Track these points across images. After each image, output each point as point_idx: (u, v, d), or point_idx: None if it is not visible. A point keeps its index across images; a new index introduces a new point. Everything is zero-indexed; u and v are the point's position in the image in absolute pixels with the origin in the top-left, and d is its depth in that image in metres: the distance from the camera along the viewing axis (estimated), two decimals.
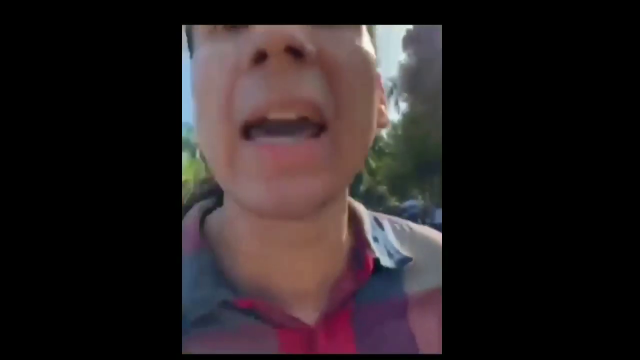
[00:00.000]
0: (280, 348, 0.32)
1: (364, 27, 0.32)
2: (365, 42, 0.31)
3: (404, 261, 0.38)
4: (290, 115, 0.26)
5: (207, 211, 0.39)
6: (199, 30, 0.30)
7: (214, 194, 0.40)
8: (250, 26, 0.28)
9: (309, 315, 0.34)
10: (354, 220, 0.38)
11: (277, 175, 0.26)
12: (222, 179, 0.31)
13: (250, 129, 0.27)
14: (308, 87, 0.26)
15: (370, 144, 0.32)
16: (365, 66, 0.29)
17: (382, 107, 0.36)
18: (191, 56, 0.34)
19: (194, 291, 0.32)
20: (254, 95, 0.26)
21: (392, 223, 0.43)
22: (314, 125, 0.27)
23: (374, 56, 0.31)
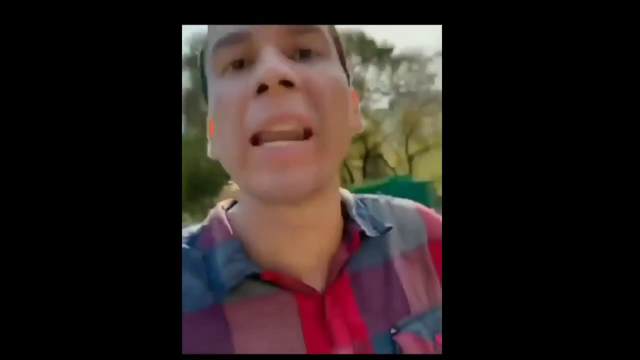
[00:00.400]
0: (300, 310, 0.42)
1: (336, 57, 0.43)
2: (337, 70, 0.42)
3: (385, 230, 0.49)
4: (286, 127, 0.37)
5: (228, 209, 0.50)
6: (212, 72, 0.42)
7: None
8: (252, 66, 0.38)
9: (316, 283, 0.44)
10: (344, 205, 0.49)
11: (279, 168, 0.37)
12: (236, 177, 0.41)
13: (257, 139, 0.38)
14: (297, 107, 0.37)
15: (347, 145, 0.43)
16: (337, 88, 0.40)
17: (356, 115, 0.47)
18: (204, 92, 0.46)
19: (228, 268, 0.42)
20: (260, 115, 0.37)
21: (374, 201, 0.54)
22: (303, 133, 0.38)
23: (345, 79, 0.43)
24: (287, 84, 0.37)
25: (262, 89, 0.37)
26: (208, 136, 0.46)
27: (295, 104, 0.37)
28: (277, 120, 0.36)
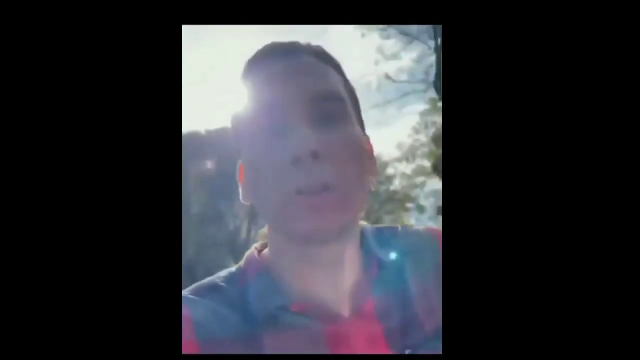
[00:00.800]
0: (327, 337, 0.47)
1: (353, 115, 0.50)
2: (354, 131, 0.49)
3: (404, 255, 0.53)
4: (317, 189, 0.44)
5: (260, 250, 0.56)
6: (245, 134, 0.49)
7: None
8: (284, 134, 0.45)
9: (344, 312, 0.49)
10: (362, 237, 0.54)
11: (315, 211, 0.44)
12: (275, 221, 0.48)
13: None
14: (324, 173, 0.44)
15: (367, 193, 0.50)
16: (356, 150, 0.48)
17: (372, 162, 0.54)
18: (237, 148, 0.53)
19: (260, 300, 0.48)
20: (296, 180, 0.44)
21: (390, 230, 0.59)
22: (328, 187, 0.45)
23: (361, 137, 0.50)
24: (314, 155, 0.44)
25: (296, 160, 0.44)
26: (238, 181, 0.53)
27: (324, 173, 0.44)
28: (310, 184, 0.44)
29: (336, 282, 0.49)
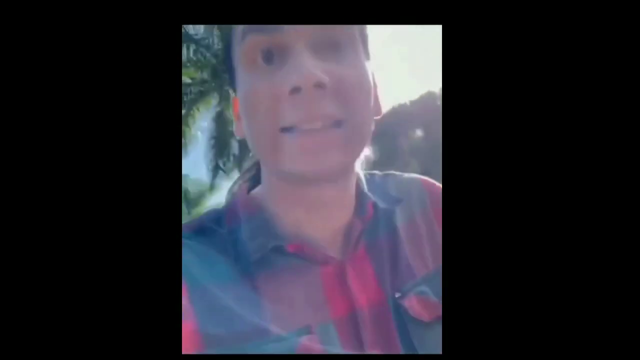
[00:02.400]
0: (322, 278, 0.46)
1: (362, 48, 0.46)
2: (363, 62, 0.45)
3: (396, 201, 0.54)
4: (317, 125, 0.41)
5: (249, 188, 0.54)
6: (241, 62, 0.44)
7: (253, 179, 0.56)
8: (283, 61, 0.41)
9: (336, 253, 0.48)
10: (357, 181, 0.52)
11: (311, 153, 0.41)
12: (266, 160, 0.45)
13: (289, 129, 0.42)
14: (328, 107, 0.41)
15: (370, 131, 0.47)
16: (363, 83, 0.44)
17: (377, 100, 0.50)
18: (233, 83, 0.49)
19: (253, 241, 0.46)
20: (294, 114, 0.41)
21: (384, 176, 0.59)
22: (333, 124, 0.42)
23: (369, 70, 0.46)
24: (319, 85, 0.40)
25: (295, 90, 0.40)
26: (233, 115, 0.50)
27: (327, 104, 0.41)
28: (310, 120, 0.40)
29: (332, 224, 0.48)
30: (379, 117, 0.50)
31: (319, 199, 0.46)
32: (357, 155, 0.45)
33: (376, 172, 0.59)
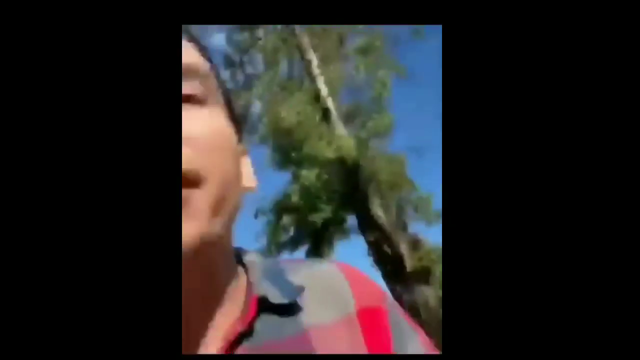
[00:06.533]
0: None
1: (222, 107, 0.40)
2: (222, 120, 0.39)
3: (296, 293, 0.41)
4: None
5: None
6: None
7: None
8: None
9: None
10: (246, 270, 0.43)
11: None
12: None
13: None
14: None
15: (239, 201, 0.40)
16: (223, 139, 0.38)
17: (250, 173, 0.43)
18: None
19: None
20: None
21: (293, 263, 0.46)
22: (189, 180, 0.34)
23: (232, 131, 0.39)
24: None
25: None
26: None
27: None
28: None
29: (201, 317, 0.38)
30: (253, 189, 0.43)
31: (192, 291, 0.36)
32: (225, 224, 0.37)
33: (287, 259, 0.48)
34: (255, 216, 7.14)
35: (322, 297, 0.42)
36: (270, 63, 7.09)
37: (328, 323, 0.41)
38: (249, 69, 7.43)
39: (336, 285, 0.44)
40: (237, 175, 0.40)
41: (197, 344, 0.37)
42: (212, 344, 0.37)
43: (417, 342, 0.44)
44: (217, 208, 0.36)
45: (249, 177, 0.43)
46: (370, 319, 0.42)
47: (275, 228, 7.16)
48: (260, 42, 7.08)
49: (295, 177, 6.97)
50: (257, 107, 7.33)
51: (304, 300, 0.41)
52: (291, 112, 6.59)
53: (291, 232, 7.25)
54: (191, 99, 0.37)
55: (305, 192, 6.72)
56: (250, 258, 0.44)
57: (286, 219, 7.10)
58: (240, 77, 7.41)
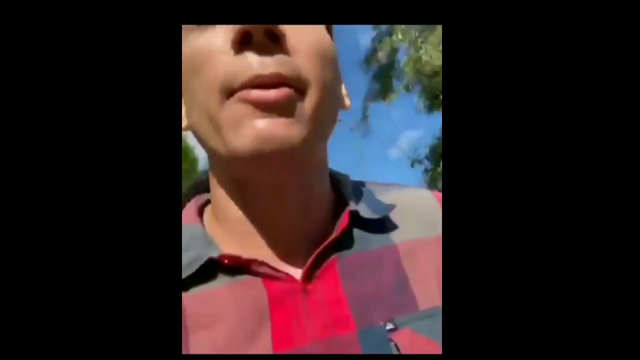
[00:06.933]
0: (270, 299, 0.35)
1: (324, 29, 0.38)
2: (327, 35, 0.37)
3: (386, 209, 0.41)
4: (272, 83, 0.32)
5: (204, 204, 0.44)
6: (185, 31, 0.37)
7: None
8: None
9: (293, 271, 0.37)
10: (336, 184, 0.43)
11: (265, 113, 0.31)
12: (214, 140, 0.35)
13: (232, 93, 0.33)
14: (286, 64, 0.32)
15: (337, 116, 0.39)
16: (330, 51, 0.36)
17: (344, 91, 0.42)
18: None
19: (187, 253, 0.37)
20: (243, 70, 0.32)
21: (381, 186, 0.47)
22: (294, 86, 0.33)
23: (335, 51, 0.38)
24: (273, 36, 0.32)
25: (244, 39, 0.32)
26: (184, 111, 0.40)
27: (284, 60, 0.32)
28: (262, 76, 0.32)
29: (290, 231, 0.38)
30: (348, 108, 0.43)
31: (276, 197, 0.36)
32: (324, 137, 0.37)
33: (372, 182, 0.47)
34: (412, 165, 6.84)
35: (412, 216, 0.42)
36: None
37: (417, 240, 0.41)
38: None
39: (428, 207, 0.44)
40: (339, 89, 0.39)
41: (285, 245, 0.38)
42: (300, 248, 0.38)
43: None
44: (321, 116, 0.35)
45: (344, 96, 0.42)
46: None
47: (433, 175, 6.79)
48: None
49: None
50: (402, 52, 6.85)
51: (394, 217, 0.41)
52: (434, 52, 6.05)
53: None
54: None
55: None
56: (339, 174, 0.44)
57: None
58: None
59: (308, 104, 0.33)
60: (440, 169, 6.49)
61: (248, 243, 0.38)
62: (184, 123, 0.39)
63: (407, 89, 6.62)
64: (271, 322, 0.35)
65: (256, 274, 0.36)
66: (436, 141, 6.76)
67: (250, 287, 0.36)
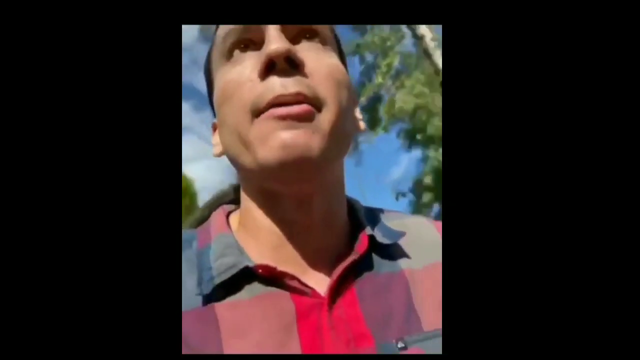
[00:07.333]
0: (298, 312, 0.38)
1: (335, 45, 0.43)
2: (338, 58, 0.42)
3: (397, 235, 0.45)
4: (294, 101, 0.36)
5: (230, 212, 0.48)
6: (219, 60, 0.42)
7: (234, 201, 0.50)
8: (259, 48, 0.39)
9: (319, 284, 0.40)
10: (351, 210, 0.46)
11: (292, 132, 0.36)
12: (242, 159, 0.39)
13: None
14: (305, 84, 0.37)
15: (352, 135, 0.42)
16: (343, 76, 0.40)
17: (358, 115, 0.46)
18: (209, 88, 0.46)
19: (218, 262, 0.39)
20: (267, 92, 0.37)
21: (386, 212, 0.51)
22: (313, 103, 0.37)
23: (347, 74, 0.42)
24: (293, 63, 0.37)
25: (269, 67, 0.37)
26: (212, 137, 0.46)
27: (303, 80, 0.37)
28: (284, 95, 0.36)
29: (313, 246, 0.41)
30: (362, 131, 0.46)
31: (303, 210, 0.40)
32: (341, 152, 0.40)
33: (377, 208, 0.51)
34: (397, 198, 7.42)
35: (416, 243, 0.46)
36: (384, 50, 6.99)
37: (421, 268, 0.45)
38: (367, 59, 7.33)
39: (428, 234, 0.48)
40: (352, 110, 0.42)
41: (311, 258, 0.41)
42: (324, 263, 0.41)
43: None
44: (337, 132, 0.38)
45: (359, 120, 0.47)
46: None
47: (418, 206, 7.37)
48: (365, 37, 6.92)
49: (425, 158, 7.17)
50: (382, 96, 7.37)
51: (402, 244, 0.45)
52: (408, 97, 6.59)
53: (434, 208, 7.52)
54: (318, 35, 0.40)
55: (436, 172, 6.91)
56: (353, 200, 0.48)
57: (426, 197, 7.29)
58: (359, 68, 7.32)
59: (325, 118, 0.38)
60: (422, 200, 7.17)
61: (276, 255, 0.41)
62: (217, 150, 0.45)
63: (385, 129, 7.21)
64: (299, 334, 0.38)
65: (286, 287, 0.39)
66: (418, 176, 7.49)
67: (279, 300, 0.39)
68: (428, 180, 7.05)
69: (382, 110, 7.02)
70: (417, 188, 7.29)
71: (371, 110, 7.13)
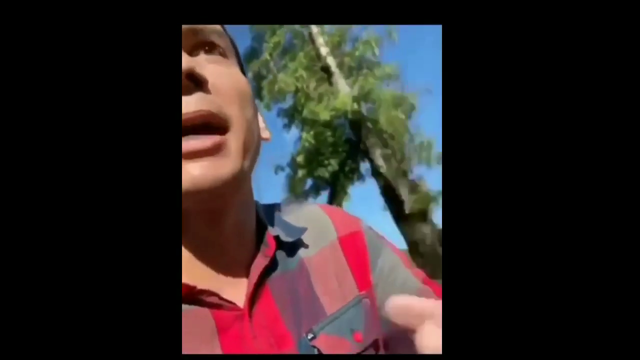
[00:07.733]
0: (218, 327, 0.39)
1: (237, 63, 0.44)
2: (240, 73, 0.43)
3: (299, 232, 0.48)
4: (200, 124, 0.37)
5: None
6: None
7: None
8: None
9: (238, 295, 0.41)
10: (257, 212, 0.48)
11: (195, 158, 0.36)
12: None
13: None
14: (206, 104, 0.37)
15: (259, 147, 0.44)
16: (245, 88, 0.41)
17: (263, 126, 0.48)
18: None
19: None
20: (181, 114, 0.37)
21: (283, 206, 0.53)
22: (216, 129, 0.38)
23: (249, 87, 0.43)
24: (195, 80, 0.37)
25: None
26: None
27: (206, 100, 0.37)
28: (190, 116, 0.36)
29: (231, 262, 0.42)
30: (267, 139, 0.48)
31: (214, 225, 0.41)
32: (251, 167, 0.42)
33: (273, 203, 0.54)
34: (276, 172, 7.88)
35: (312, 232, 0.49)
36: (274, 29, 7.31)
37: (317, 253, 0.48)
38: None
39: (320, 221, 0.52)
40: (257, 124, 0.44)
41: (226, 271, 0.42)
42: (239, 273, 0.42)
43: (389, 251, 0.53)
44: (245, 150, 0.39)
45: (263, 129, 0.48)
46: (350, 242, 0.51)
47: (294, 181, 7.81)
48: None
49: (300, 139, 7.52)
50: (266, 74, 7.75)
51: (302, 237, 0.48)
52: (289, 79, 6.96)
53: (308, 182, 7.91)
54: (217, 49, 0.41)
55: (307, 152, 7.28)
56: (256, 200, 0.50)
57: (301, 172, 7.64)
58: (247, 44, 7.68)
59: (233, 141, 0.39)
60: (298, 176, 7.62)
61: (194, 272, 0.41)
62: None
63: (268, 107, 7.62)
64: (221, 347, 0.39)
65: (205, 303, 0.40)
66: (295, 152, 7.95)
67: (199, 317, 0.39)
68: (301, 159, 7.43)
69: (264, 90, 7.41)
70: (294, 165, 7.77)
71: (256, 87, 7.52)
